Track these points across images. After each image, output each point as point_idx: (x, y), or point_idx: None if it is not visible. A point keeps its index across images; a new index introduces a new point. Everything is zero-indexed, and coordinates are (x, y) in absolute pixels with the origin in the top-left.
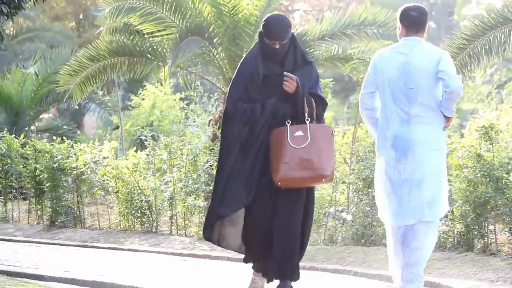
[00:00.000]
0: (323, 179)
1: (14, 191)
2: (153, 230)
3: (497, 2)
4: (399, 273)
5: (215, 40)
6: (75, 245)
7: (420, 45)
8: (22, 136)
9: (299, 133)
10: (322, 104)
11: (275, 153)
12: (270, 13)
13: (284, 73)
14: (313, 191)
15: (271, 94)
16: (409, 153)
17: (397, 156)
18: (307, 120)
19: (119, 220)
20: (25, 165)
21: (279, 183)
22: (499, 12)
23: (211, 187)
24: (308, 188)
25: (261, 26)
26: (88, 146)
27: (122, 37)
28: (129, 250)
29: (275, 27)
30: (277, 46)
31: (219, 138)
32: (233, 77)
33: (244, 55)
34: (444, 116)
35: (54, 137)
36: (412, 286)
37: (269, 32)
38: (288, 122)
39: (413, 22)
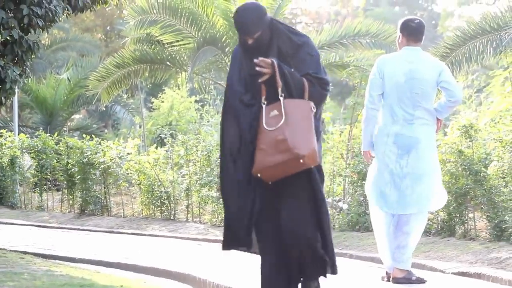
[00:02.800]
0: (301, 160)
1: (49, 183)
2: (171, 218)
3: (476, 15)
4: (389, 255)
5: (226, 49)
6: (102, 231)
7: (422, 54)
8: (56, 134)
9: (274, 112)
10: (319, 83)
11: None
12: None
13: (255, 60)
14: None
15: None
16: (412, 151)
17: (400, 152)
18: (281, 96)
19: (141, 209)
20: (58, 160)
21: (259, 175)
22: (478, 25)
23: None
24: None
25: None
26: (114, 143)
27: (145, 47)
28: (150, 235)
29: (242, 19)
30: (250, 42)
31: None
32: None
33: None
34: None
35: (84, 135)
36: (401, 266)
37: (236, 25)
38: (264, 103)
39: (414, 32)
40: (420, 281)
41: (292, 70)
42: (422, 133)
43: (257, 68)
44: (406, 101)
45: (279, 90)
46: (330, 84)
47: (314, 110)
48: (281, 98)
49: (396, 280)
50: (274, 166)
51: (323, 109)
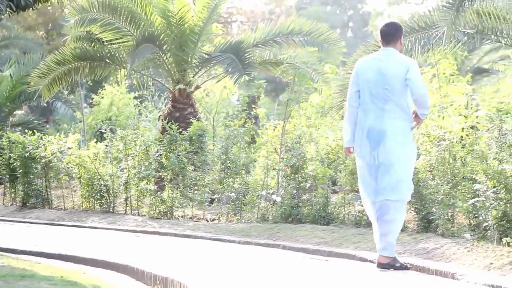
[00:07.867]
0: None
1: None
2: (110, 210)
3: (405, 14)
4: (378, 240)
5: (164, 47)
6: (44, 223)
7: (393, 54)
8: None
9: None
10: None
11: None
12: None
13: None
14: None
15: None
16: (381, 143)
17: (372, 145)
18: None
19: (81, 202)
20: (0, 154)
21: None
22: (406, 23)
23: (160, 173)
24: None
25: None
26: (55, 138)
27: (85, 44)
28: (90, 227)
29: None
30: None
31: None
32: None
33: (189, 59)
34: (416, 117)
35: (26, 130)
36: (385, 253)
37: None
38: None
39: (383, 35)
40: (405, 267)
41: None
42: (390, 127)
43: None
44: (377, 96)
45: None
46: (266, 83)
47: None
48: None
49: (381, 266)
50: None
51: None
